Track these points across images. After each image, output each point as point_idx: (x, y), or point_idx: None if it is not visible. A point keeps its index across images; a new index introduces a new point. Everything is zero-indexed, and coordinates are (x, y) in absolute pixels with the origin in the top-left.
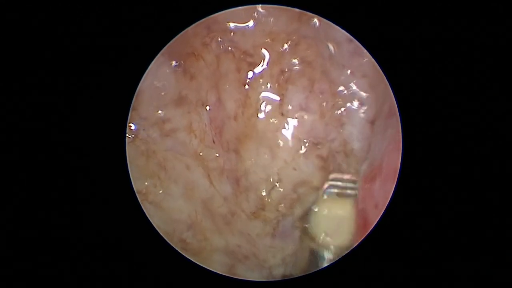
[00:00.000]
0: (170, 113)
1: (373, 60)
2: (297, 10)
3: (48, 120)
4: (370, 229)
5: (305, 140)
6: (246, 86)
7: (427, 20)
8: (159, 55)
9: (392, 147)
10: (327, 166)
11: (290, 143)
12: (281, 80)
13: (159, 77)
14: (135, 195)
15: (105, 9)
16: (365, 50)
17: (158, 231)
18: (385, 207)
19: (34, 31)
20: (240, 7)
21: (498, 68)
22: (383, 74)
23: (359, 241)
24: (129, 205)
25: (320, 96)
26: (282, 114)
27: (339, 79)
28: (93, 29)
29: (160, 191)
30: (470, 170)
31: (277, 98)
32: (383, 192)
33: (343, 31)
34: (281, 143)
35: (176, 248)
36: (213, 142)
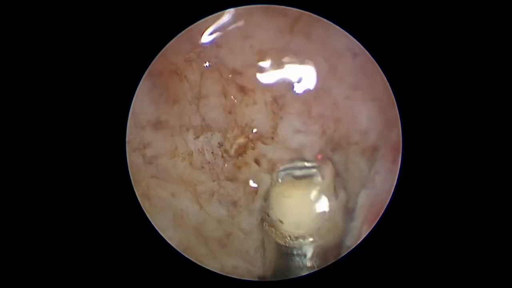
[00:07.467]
0: (150, 137)
1: (385, 79)
2: (291, 16)
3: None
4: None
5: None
6: (235, 114)
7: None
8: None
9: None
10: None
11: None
12: (275, 108)
13: (140, 101)
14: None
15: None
16: (376, 66)
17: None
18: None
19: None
20: (223, 11)
21: None
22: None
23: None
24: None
25: (320, 120)
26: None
27: (342, 106)
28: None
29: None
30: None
31: (271, 128)
32: None
33: (349, 40)
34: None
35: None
36: (202, 167)
